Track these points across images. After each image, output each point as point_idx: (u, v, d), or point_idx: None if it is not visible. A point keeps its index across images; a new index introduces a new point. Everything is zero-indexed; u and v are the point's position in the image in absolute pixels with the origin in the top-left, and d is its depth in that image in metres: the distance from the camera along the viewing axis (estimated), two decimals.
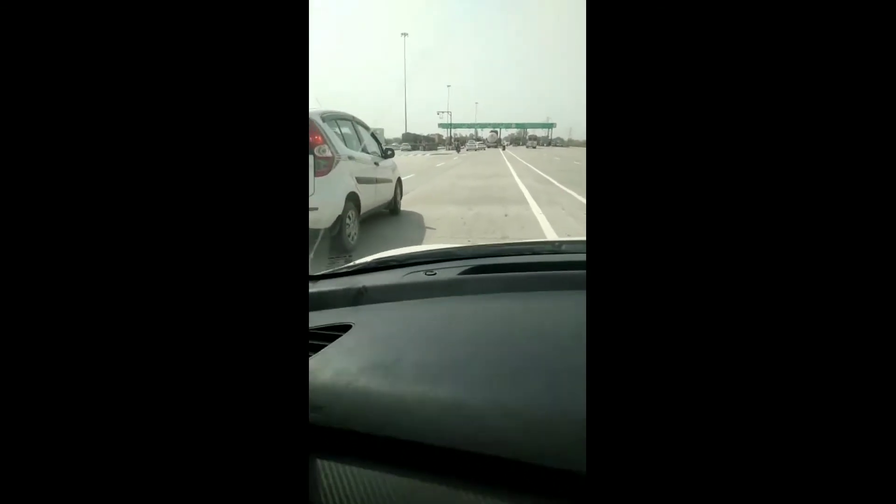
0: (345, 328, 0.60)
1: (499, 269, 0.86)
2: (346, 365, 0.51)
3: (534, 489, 0.36)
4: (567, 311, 0.62)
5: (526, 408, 0.41)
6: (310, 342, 0.57)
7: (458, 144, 45.54)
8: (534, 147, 51.82)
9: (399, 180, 5.15)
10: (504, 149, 43.37)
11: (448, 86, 78.57)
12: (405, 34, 63.57)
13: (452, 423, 0.41)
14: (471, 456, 0.38)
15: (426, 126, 76.61)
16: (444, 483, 0.37)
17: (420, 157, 25.15)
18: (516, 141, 72.16)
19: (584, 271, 0.77)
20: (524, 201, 6.31)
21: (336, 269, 0.92)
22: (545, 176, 10.58)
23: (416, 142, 45.94)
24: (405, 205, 5.57)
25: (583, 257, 0.84)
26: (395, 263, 0.92)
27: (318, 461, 0.42)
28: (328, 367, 0.50)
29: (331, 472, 0.40)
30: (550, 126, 74.93)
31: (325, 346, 0.56)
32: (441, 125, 66.87)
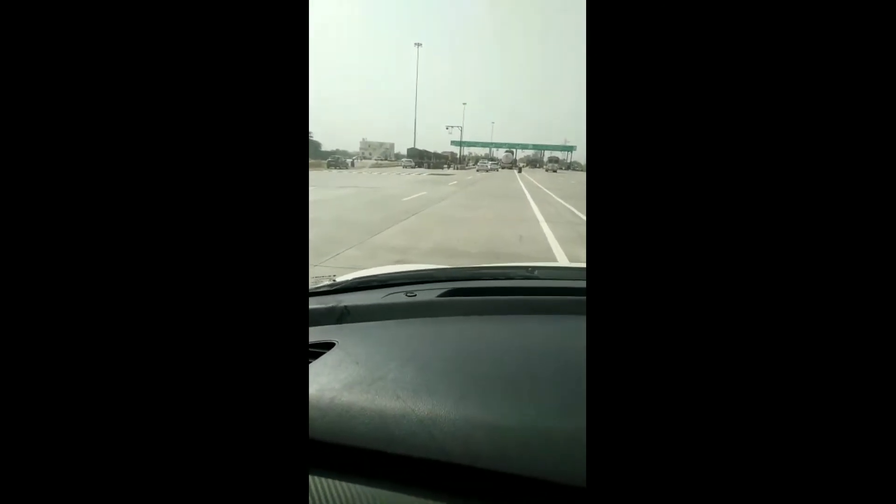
0: (328, 346, 0.64)
1: (476, 292, 0.92)
2: (330, 381, 0.53)
3: (499, 496, 0.41)
4: (537, 334, 0.69)
5: (495, 420, 0.45)
6: None
7: (449, 162, 40.30)
8: (554, 171, 46.05)
9: None
10: (520, 171, 37.98)
11: (464, 104, 73.67)
12: (419, 44, 59.12)
13: (428, 435, 0.45)
14: (443, 466, 0.43)
15: (440, 143, 71.78)
16: (420, 495, 0.42)
17: (412, 177, 19.20)
18: (532, 163, 66.73)
19: (556, 297, 0.82)
20: None
21: (318, 287, 0.95)
22: None
23: (421, 158, 40.62)
24: None
25: (554, 283, 0.97)
26: (376, 283, 0.96)
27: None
28: (313, 383, 0.53)
29: (319, 487, 0.43)
30: (570, 149, 69.27)
31: (310, 362, 0.59)
32: (453, 142, 61.65)
